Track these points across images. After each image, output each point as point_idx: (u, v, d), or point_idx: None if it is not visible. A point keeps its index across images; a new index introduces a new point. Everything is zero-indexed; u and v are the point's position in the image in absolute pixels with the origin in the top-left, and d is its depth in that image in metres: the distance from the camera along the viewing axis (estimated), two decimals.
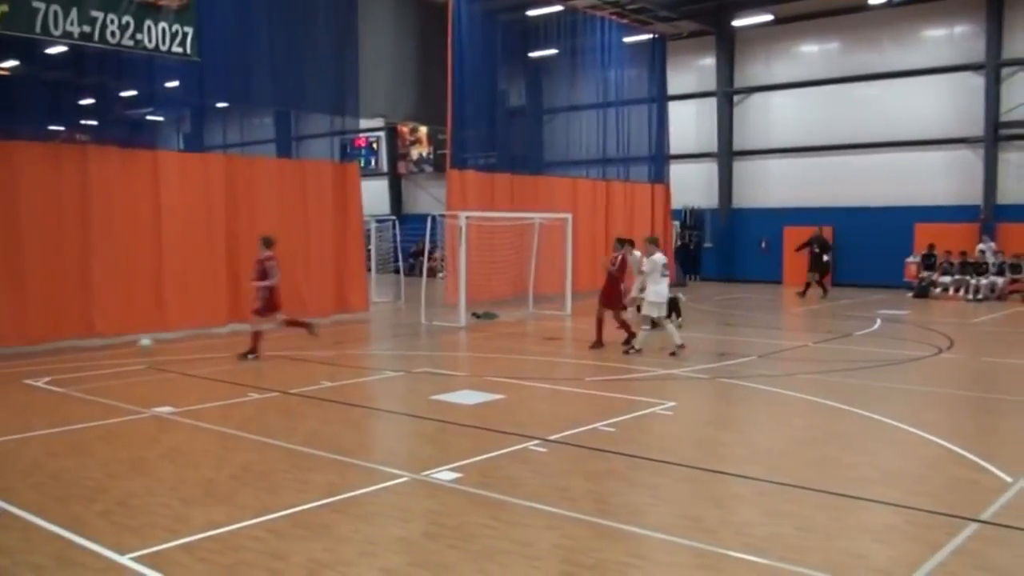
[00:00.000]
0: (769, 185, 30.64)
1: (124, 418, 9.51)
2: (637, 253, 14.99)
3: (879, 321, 18.88)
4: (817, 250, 25.53)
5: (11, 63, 16.71)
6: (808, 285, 25.23)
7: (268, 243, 13.82)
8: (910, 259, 26.24)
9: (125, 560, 5.38)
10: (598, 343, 14.65)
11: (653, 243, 14.43)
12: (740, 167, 31.50)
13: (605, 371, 12.60)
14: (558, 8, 25.57)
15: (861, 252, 28.14)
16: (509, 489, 6.78)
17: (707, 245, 32.14)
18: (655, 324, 13.98)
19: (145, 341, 14.35)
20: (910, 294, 24.72)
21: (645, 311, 14.05)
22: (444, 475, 7.17)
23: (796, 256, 27.04)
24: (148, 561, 5.35)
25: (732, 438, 8.77)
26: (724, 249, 31.29)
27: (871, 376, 12.20)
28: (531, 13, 25.92)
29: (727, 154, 31.38)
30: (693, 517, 6.18)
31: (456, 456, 7.78)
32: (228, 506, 6.43)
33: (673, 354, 13.63)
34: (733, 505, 6.60)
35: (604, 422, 9.13)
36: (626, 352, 14.02)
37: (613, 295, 14.74)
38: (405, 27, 22.70)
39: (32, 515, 6.19)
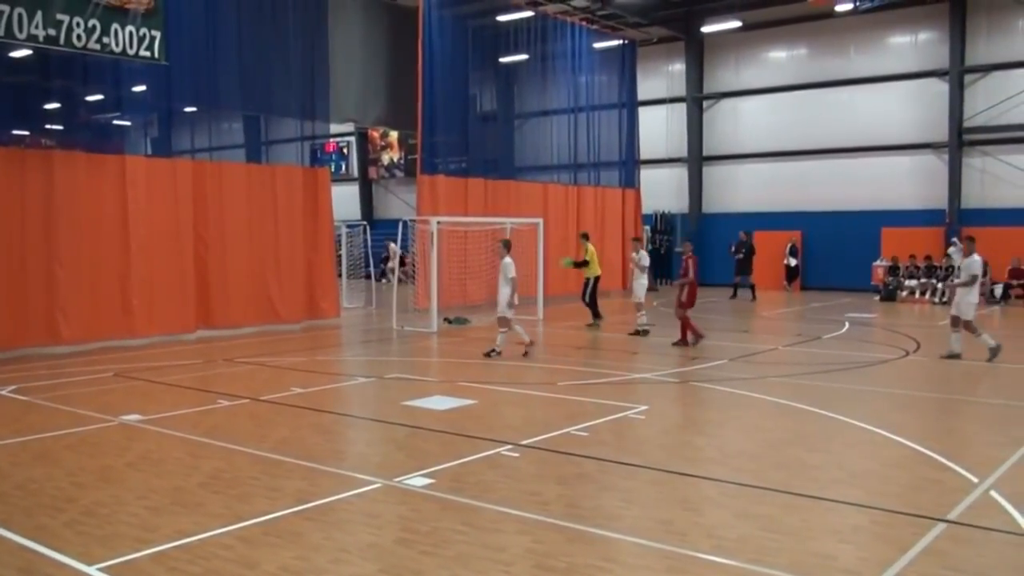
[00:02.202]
0: (739, 190, 30.94)
1: (91, 426, 9.39)
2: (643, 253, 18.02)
3: (847, 324, 19.11)
4: (743, 255, 26.70)
5: None
6: (736, 288, 26.51)
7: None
8: (877, 263, 26.64)
9: (93, 571, 5.31)
10: (692, 339, 15.64)
11: (639, 242, 18.30)
12: (710, 172, 31.77)
13: (576, 375, 12.63)
14: (529, 14, 25.64)
15: (829, 256, 28.52)
16: (481, 494, 6.78)
17: (677, 250, 32.34)
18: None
19: None
20: (877, 297, 25.08)
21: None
22: (416, 481, 7.15)
23: (768, 260, 27.75)
24: (116, 572, 5.29)
25: (703, 441, 8.83)
26: (695, 254, 31.48)
27: (839, 378, 12.35)
28: (502, 18, 25.97)
29: (697, 159, 31.63)
30: (664, 520, 6.22)
31: (428, 462, 7.76)
32: (197, 515, 6.37)
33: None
34: (703, 507, 6.64)
35: (576, 426, 9.16)
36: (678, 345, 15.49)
37: (692, 297, 15.86)
38: (375, 31, 22.64)
39: None
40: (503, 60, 27.69)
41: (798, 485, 7.04)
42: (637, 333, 17.17)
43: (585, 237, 19.88)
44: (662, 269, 31.55)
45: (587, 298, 18.87)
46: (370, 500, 6.81)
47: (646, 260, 17.96)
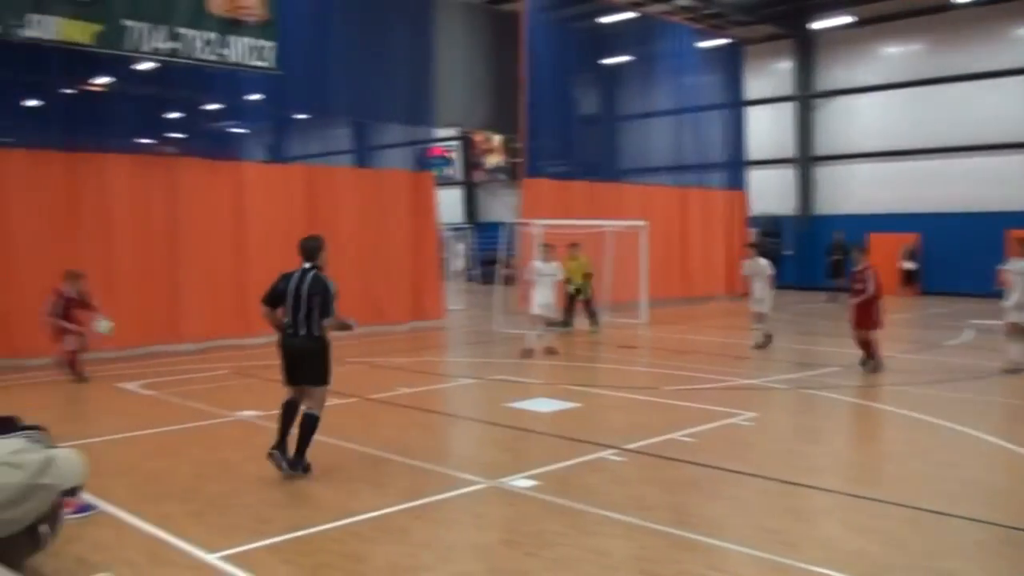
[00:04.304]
0: (851, 191, 29.92)
1: (211, 421, 9.80)
2: (762, 261, 15.88)
3: (969, 331, 18.25)
4: (839, 257, 25.61)
5: (104, 79, 17.41)
6: (835, 291, 25.17)
7: (862, 251, 13.89)
8: (1001, 266, 25.32)
9: (213, 559, 5.55)
10: (873, 361, 13.09)
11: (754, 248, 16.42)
12: (821, 172, 30.83)
13: (682, 380, 12.46)
14: (632, 15, 25.45)
15: (949, 259, 27.25)
16: (586, 497, 6.77)
17: (787, 252, 31.54)
18: None
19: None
20: (1002, 302, 23.81)
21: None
22: (520, 482, 7.19)
23: (883, 264, 26.63)
24: (235, 561, 5.51)
25: (815, 450, 8.57)
26: (804, 256, 30.64)
27: (961, 388, 11.79)
28: (604, 20, 25.85)
29: (806, 159, 30.77)
30: (773, 529, 6.07)
31: (532, 464, 7.79)
32: (309, 508, 6.57)
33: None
34: (816, 518, 6.46)
35: (682, 432, 9.04)
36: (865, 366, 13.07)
37: (870, 314, 13.04)
38: (479, 36, 22.90)
39: (126, 513, 6.43)
40: (605, 62, 27.56)
41: (917, 498, 6.75)
42: (761, 346, 15.36)
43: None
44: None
45: (586, 308, 18.41)
46: (475, 500, 6.89)
47: (769, 268, 15.72)
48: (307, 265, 7.78)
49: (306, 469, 7.43)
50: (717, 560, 5.57)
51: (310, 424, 7.48)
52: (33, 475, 1.96)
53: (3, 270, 13.86)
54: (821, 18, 28.02)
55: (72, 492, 2.12)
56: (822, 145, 30.63)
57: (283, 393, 7.76)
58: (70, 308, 12.42)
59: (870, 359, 12.98)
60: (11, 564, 1.95)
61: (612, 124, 28.95)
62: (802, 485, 7.22)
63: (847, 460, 8.17)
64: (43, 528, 1.99)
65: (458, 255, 26.83)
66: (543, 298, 14.45)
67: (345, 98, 19.05)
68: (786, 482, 7.29)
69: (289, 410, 7.56)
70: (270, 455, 7.39)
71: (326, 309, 7.56)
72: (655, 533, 5.99)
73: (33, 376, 12.94)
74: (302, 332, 7.53)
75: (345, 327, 7.86)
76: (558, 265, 15.46)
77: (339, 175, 18.78)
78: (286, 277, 7.77)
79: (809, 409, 10.85)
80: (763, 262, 15.76)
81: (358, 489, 7.09)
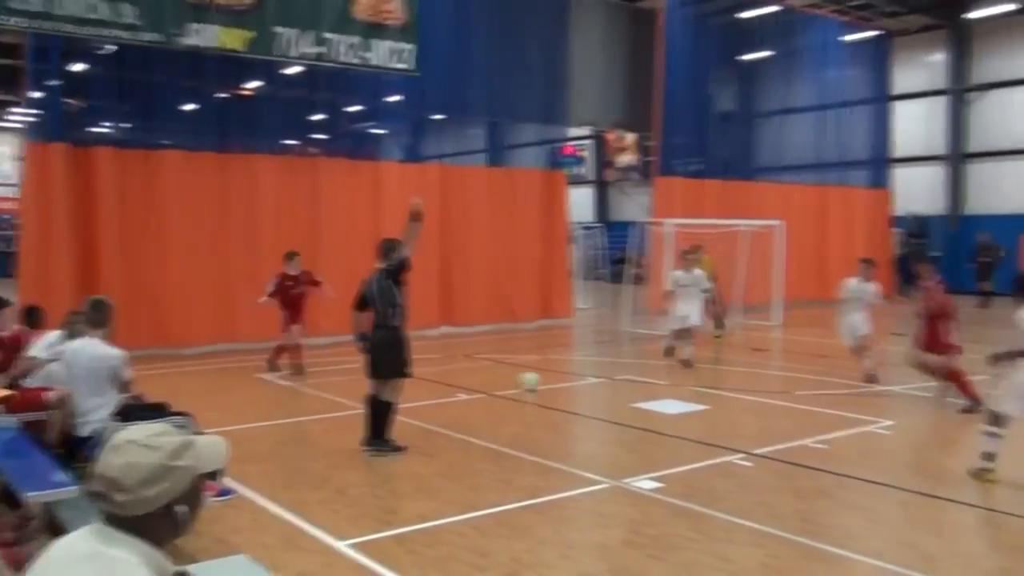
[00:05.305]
0: (1007, 190, 28.08)
1: (344, 412, 10.14)
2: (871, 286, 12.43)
3: None
4: (989, 260, 24.47)
5: (254, 84, 18.29)
6: (986, 295, 23.95)
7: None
8: None
9: (342, 546, 5.76)
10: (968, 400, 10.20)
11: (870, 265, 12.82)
12: (973, 170, 29.07)
13: (816, 385, 12.02)
14: (774, 8, 24.72)
15: None
16: (712, 502, 6.64)
17: (934, 255, 29.91)
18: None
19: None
20: None
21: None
22: (645, 484, 7.13)
23: None
24: (363, 549, 5.70)
25: (956, 463, 8.08)
26: (953, 259, 28.98)
27: None
28: (744, 15, 25.22)
29: (958, 156, 29.07)
30: (910, 543, 5.80)
31: (657, 465, 7.71)
32: (436, 501, 6.72)
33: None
34: (957, 534, 6.13)
35: (814, 438, 8.74)
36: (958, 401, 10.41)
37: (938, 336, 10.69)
38: (615, 34, 22.77)
39: (262, 498, 6.76)
40: (744, 58, 26.89)
41: None
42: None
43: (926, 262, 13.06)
44: (912, 278, 29.32)
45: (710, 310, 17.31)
46: (598, 499, 6.87)
47: (875, 295, 12.45)
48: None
49: (395, 449, 8.13)
50: (849, 572, 5.38)
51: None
52: (168, 456, 2.10)
53: (160, 264, 14.78)
54: (979, 6, 26.39)
55: (213, 476, 2.26)
56: (976, 141, 28.87)
57: (412, 386, 8.00)
58: (296, 287, 12.95)
59: (965, 397, 10.19)
60: (153, 541, 2.09)
61: (749, 121, 28.19)
62: (941, 498, 6.85)
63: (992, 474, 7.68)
64: (180, 508, 2.12)
65: (589, 254, 26.80)
66: (683, 310, 13.65)
67: (481, 98, 19.31)
68: (924, 494, 6.94)
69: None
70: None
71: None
72: (783, 541, 5.82)
73: (183, 365, 13.76)
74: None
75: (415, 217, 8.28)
76: (702, 274, 14.11)
77: (472, 174, 19.10)
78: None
79: (950, 419, 10.24)
80: (871, 288, 12.40)
81: (482, 484, 7.20)
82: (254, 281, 14.97)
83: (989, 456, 7.26)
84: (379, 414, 8.19)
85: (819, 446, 8.47)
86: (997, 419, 7.28)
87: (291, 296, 12.97)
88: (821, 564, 5.46)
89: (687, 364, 13.37)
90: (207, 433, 2.25)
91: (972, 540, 6.00)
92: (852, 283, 12.44)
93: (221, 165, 15.54)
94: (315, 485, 7.17)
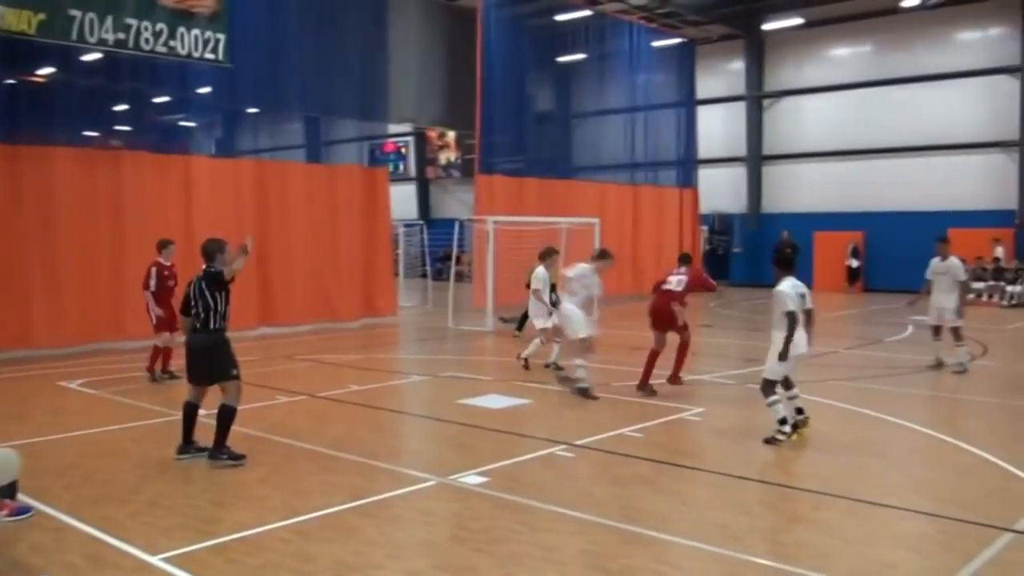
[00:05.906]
0: (799, 190, 30.43)
1: (154, 420, 9.62)
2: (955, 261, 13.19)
3: (911, 327, 18.65)
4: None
5: (47, 70, 16.96)
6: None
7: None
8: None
9: (156, 561, 5.44)
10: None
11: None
12: (770, 171, 31.30)
13: (632, 376, 12.52)
14: (587, 13, 25.57)
15: (893, 257, 27.85)
16: (535, 494, 6.78)
17: (736, 250, 31.97)
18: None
19: None
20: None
21: None
22: (470, 479, 7.18)
23: (829, 261, 27.31)
24: (178, 562, 5.41)
25: (760, 445, 8.67)
26: (753, 254, 31.09)
27: (902, 383, 12.06)
28: (560, 18, 25.93)
29: (756, 158, 31.20)
30: (720, 523, 6.15)
31: (482, 460, 7.79)
32: (257, 509, 6.49)
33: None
34: (760, 512, 6.55)
35: (631, 427, 9.11)
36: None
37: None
38: (433, 32, 22.82)
39: (66, 515, 6.27)
40: (560, 59, 27.66)
41: (860, 491, 6.88)
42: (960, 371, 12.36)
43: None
44: (721, 271, 31.19)
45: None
46: (424, 497, 6.86)
47: (963, 272, 13.13)
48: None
49: (233, 457, 7.76)
50: (665, 554, 5.62)
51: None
52: None
53: None
54: (772, 19, 28.42)
55: (8, 493, 2.07)
56: (771, 144, 31.11)
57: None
58: (171, 279, 11.92)
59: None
60: None
61: (566, 121, 29.08)
62: (747, 479, 7.33)
63: (790, 454, 8.28)
64: None
65: (412, 251, 26.77)
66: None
67: (296, 92, 18.85)
68: (732, 476, 7.38)
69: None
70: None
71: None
72: (604, 528, 6.03)
73: None
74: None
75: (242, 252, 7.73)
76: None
77: (290, 170, 18.58)
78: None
79: (755, 404, 10.89)
80: (956, 262, 13.02)
81: (306, 488, 7.01)
82: (52, 286, 13.98)
83: (783, 421, 8.42)
84: (225, 421, 7.79)
85: (635, 435, 8.84)
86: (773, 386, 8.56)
87: (167, 290, 11.97)
88: (639, 547, 5.69)
89: (527, 364, 13.13)
90: None
91: (774, 517, 6.44)
92: (936, 261, 13.26)
93: (11, 157, 14.34)
94: (125, 498, 6.74)
